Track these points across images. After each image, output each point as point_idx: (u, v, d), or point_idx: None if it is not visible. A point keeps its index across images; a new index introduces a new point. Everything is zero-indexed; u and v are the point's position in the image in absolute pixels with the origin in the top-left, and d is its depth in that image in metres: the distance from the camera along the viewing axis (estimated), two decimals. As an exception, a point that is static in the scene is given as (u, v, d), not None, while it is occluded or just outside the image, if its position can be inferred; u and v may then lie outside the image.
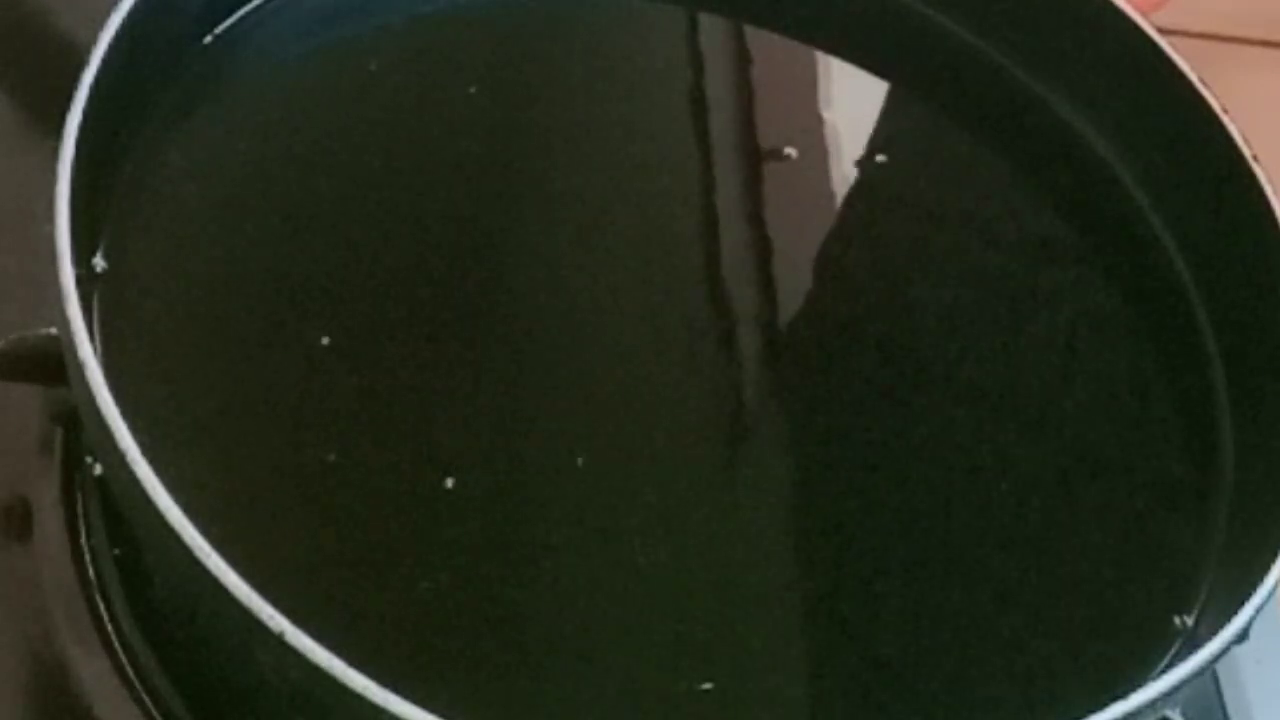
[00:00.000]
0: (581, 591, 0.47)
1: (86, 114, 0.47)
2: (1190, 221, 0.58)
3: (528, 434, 0.50)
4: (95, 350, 0.43)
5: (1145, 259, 0.59)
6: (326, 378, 0.50)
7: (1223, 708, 0.56)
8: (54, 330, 0.46)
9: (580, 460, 0.50)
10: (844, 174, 0.60)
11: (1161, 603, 0.50)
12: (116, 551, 0.49)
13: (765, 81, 0.62)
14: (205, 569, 0.40)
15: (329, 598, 0.45)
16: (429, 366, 0.51)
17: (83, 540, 0.50)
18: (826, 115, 0.62)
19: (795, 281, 0.57)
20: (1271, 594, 0.46)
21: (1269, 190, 0.54)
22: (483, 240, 0.54)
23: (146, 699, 0.48)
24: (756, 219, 0.58)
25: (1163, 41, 0.58)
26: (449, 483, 0.48)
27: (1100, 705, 0.43)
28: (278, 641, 0.40)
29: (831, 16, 0.62)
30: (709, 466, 0.51)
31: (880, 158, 0.60)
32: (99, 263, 0.48)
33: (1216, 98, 0.56)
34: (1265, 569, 0.47)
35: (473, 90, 0.57)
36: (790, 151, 0.58)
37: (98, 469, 0.46)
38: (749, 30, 0.63)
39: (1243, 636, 0.46)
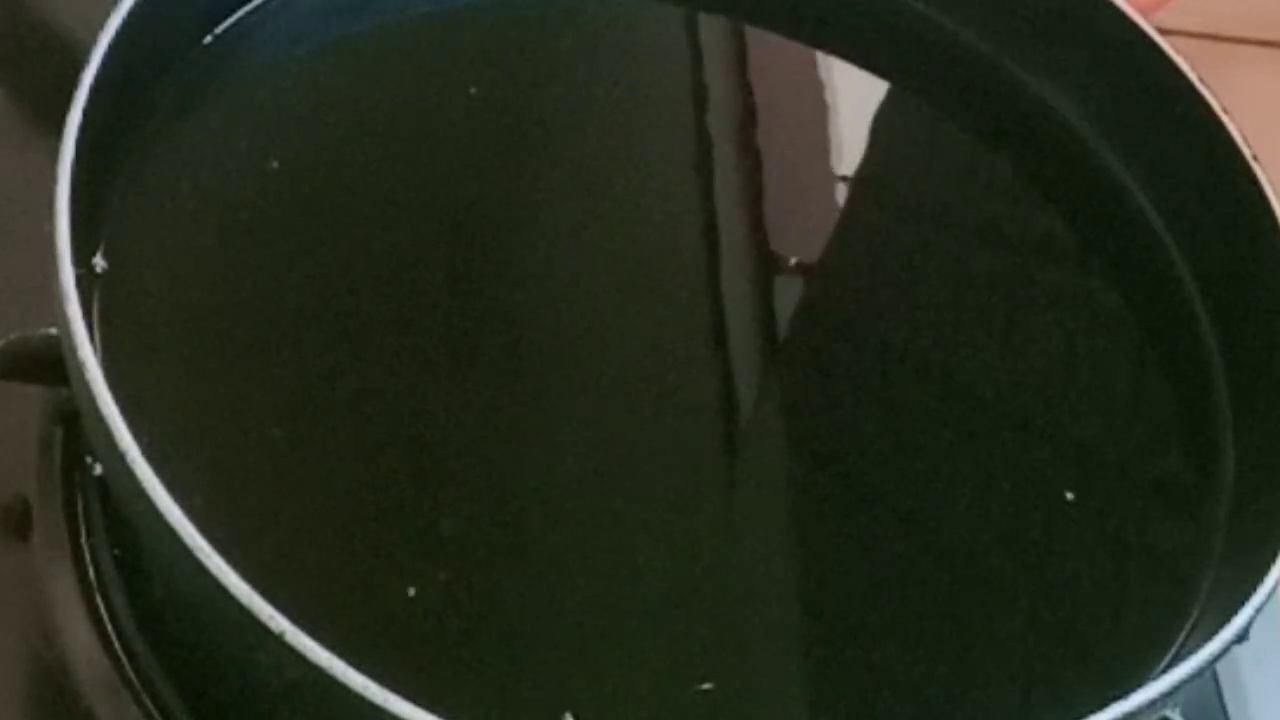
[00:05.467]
0: (581, 592, 0.47)
1: (86, 114, 0.47)
2: (1190, 222, 0.58)
3: (528, 434, 0.50)
4: (95, 350, 0.43)
5: (1145, 259, 0.59)
6: (326, 377, 0.50)
7: (1223, 708, 0.56)
8: (54, 330, 0.46)
9: (580, 461, 0.50)
10: (844, 174, 0.60)
11: (1161, 603, 0.50)
12: (116, 551, 0.49)
13: (765, 81, 0.62)
14: (205, 569, 0.40)
15: (329, 598, 0.45)
16: (428, 365, 0.51)
17: (83, 540, 0.50)
18: (827, 115, 0.62)
19: (795, 281, 0.57)
20: (1271, 594, 0.46)
21: (1269, 190, 0.54)
22: (482, 238, 0.54)
23: (146, 699, 0.48)
24: (756, 218, 0.58)
25: (1163, 41, 0.58)
26: (449, 483, 0.48)
27: (1100, 705, 0.43)
28: (278, 641, 0.40)
29: (831, 16, 0.62)
30: (709, 467, 0.52)
31: (877, 159, 0.60)
32: (99, 263, 0.48)
33: (1216, 98, 0.56)
34: (1265, 569, 0.47)
35: (473, 90, 0.57)
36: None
37: (98, 469, 0.46)
38: (749, 30, 0.63)
39: (1243, 636, 0.46)
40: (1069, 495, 0.52)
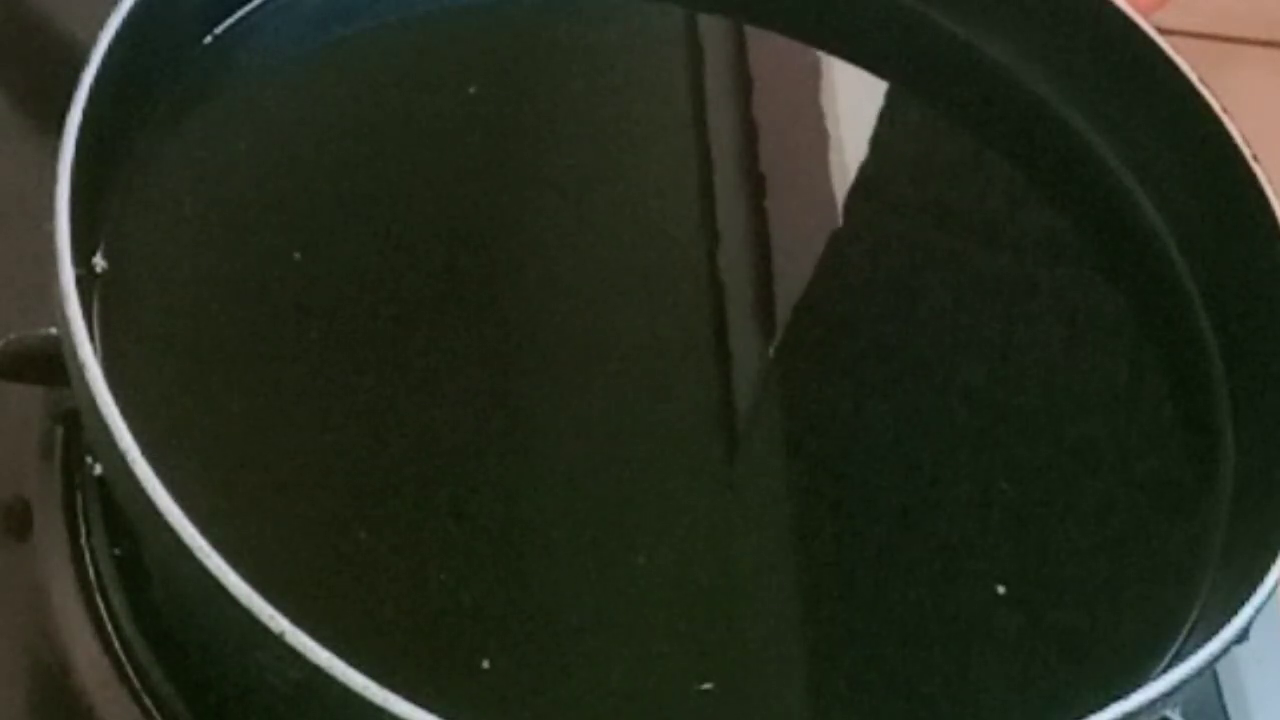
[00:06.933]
0: (582, 591, 0.47)
1: (86, 114, 0.47)
2: (1190, 221, 0.58)
3: (528, 434, 0.50)
4: (95, 350, 0.43)
5: (1145, 259, 0.59)
6: (326, 377, 0.50)
7: (1223, 708, 0.56)
8: (54, 330, 0.46)
9: (581, 461, 0.50)
10: (844, 174, 0.60)
11: (1161, 602, 0.50)
12: (116, 551, 0.49)
13: (765, 81, 0.62)
14: (205, 569, 0.40)
15: (329, 598, 0.45)
16: (429, 366, 0.51)
17: (83, 540, 0.50)
18: (826, 115, 0.62)
19: (795, 281, 0.57)
20: (1271, 594, 0.46)
21: (1269, 190, 0.54)
22: (482, 238, 0.54)
23: (146, 699, 0.48)
24: (756, 219, 0.58)
25: (1163, 41, 0.58)
26: (450, 483, 0.48)
27: (1100, 705, 0.43)
28: (278, 641, 0.39)
29: (831, 16, 0.62)
30: (709, 466, 0.51)
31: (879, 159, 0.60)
32: (99, 263, 0.48)
33: (1216, 98, 0.56)
34: (1265, 569, 0.47)
35: (473, 90, 0.57)
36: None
37: (98, 469, 0.46)
38: (749, 30, 0.63)
39: (1243, 636, 0.46)
40: (1068, 496, 0.53)
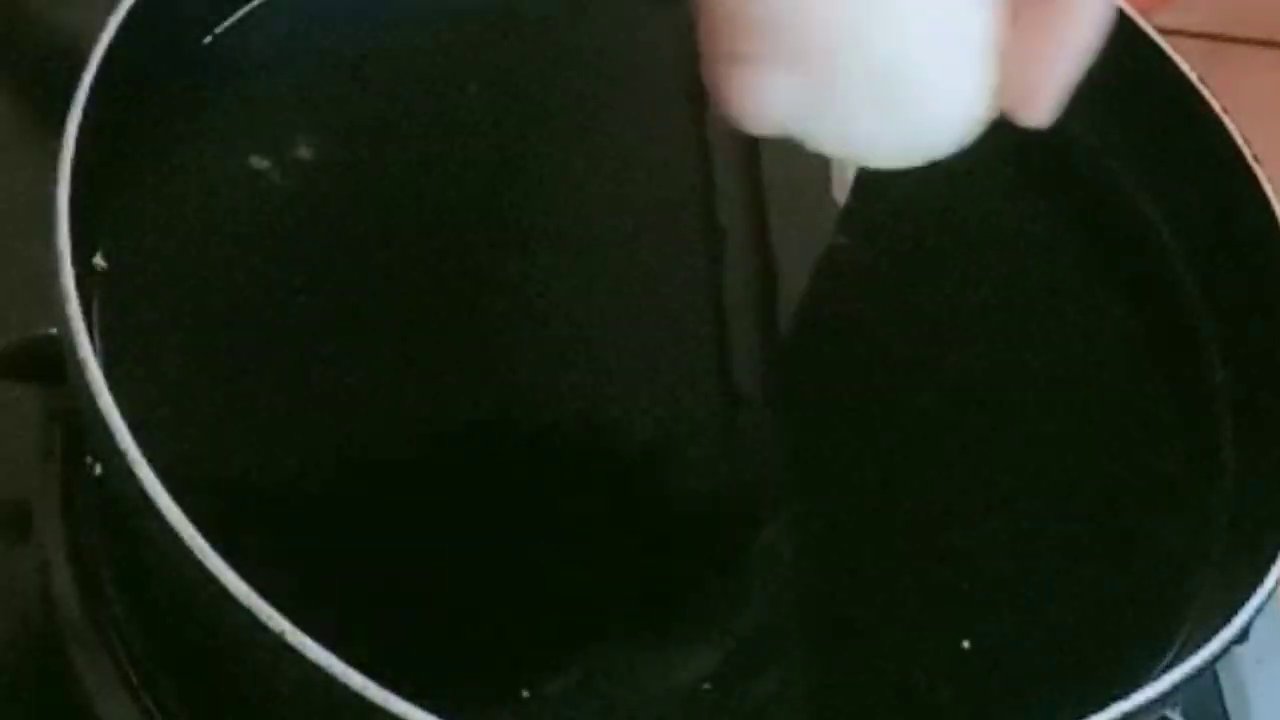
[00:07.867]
0: (581, 591, 0.47)
1: (86, 114, 0.47)
2: (1190, 221, 0.58)
3: (527, 433, 0.50)
4: (95, 350, 0.43)
5: (1145, 259, 0.59)
6: (325, 376, 0.50)
7: (1223, 708, 0.56)
8: (54, 330, 0.46)
9: (579, 462, 0.50)
10: (844, 175, 0.60)
11: (1161, 602, 0.50)
12: (116, 551, 0.49)
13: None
14: (205, 569, 0.40)
15: (329, 598, 0.45)
16: (428, 364, 0.51)
17: (83, 540, 0.50)
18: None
19: (796, 281, 0.57)
20: (1271, 594, 0.46)
21: (1269, 190, 0.54)
22: (482, 239, 0.54)
23: (147, 699, 0.48)
24: (757, 218, 0.58)
25: (1163, 41, 0.58)
26: (450, 484, 0.48)
27: (1100, 705, 0.43)
28: (278, 641, 0.39)
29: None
30: (709, 467, 0.51)
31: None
32: (99, 263, 0.48)
33: (1216, 98, 0.56)
34: (1265, 569, 0.47)
35: (473, 90, 0.57)
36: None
37: (98, 469, 0.46)
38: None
39: (1243, 636, 0.46)
40: (1067, 495, 0.53)
